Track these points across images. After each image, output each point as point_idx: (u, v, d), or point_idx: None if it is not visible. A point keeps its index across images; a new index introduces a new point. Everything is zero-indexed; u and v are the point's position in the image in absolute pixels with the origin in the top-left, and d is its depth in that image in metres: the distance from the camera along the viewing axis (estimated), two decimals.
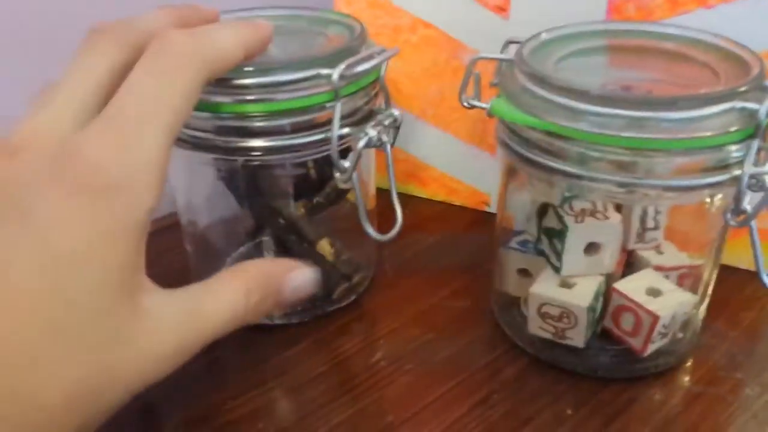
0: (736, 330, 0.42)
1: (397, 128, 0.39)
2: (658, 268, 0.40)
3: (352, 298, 0.45)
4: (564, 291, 0.38)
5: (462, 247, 0.50)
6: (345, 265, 0.44)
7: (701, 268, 0.40)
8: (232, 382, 0.39)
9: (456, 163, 0.54)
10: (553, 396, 0.38)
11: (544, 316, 0.39)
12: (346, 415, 0.37)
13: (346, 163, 0.36)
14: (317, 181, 0.43)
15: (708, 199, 0.37)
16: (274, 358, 0.41)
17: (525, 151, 0.36)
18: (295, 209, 0.43)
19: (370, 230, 0.38)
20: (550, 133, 0.34)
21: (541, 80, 0.34)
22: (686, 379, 0.39)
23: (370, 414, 0.37)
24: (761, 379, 0.39)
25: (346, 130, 0.37)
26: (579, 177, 0.34)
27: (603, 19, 0.45)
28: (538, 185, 0.40)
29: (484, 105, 0.39)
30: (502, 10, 0.47)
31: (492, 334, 0.42)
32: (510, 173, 0.41)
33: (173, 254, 0.46)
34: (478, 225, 0.52)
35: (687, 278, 0.40)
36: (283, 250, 0.44)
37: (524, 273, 0.42)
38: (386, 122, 0.39)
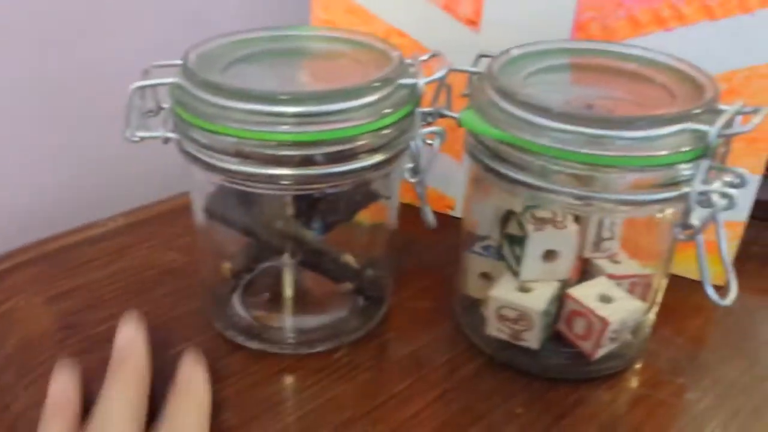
0: (682, 337, 0.45)
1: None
2: (612, 277, 0.42)
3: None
4: (521, 295, 0.40)
5: (426, 250, 0.52)
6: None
7: (652, 277, 0.42)
8: None
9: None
10: (505, 395, 0.40)
11: (501, 318, 0.41)
12: (305, 411, 0.38)
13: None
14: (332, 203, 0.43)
15: (659, 213, 0.39)
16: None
17: (490, 162, 0.38)
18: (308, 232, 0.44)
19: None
20: (514, 146, 0.36)
21: (508, 95, 0.36)
22: (632, 382, 0.41)
23: (329, 410, 0.38)
24: (702, 385, 0.41)
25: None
26: (539, 189, 0.36)
27: (568, 36, 0.47)
28: (502, 194, 0.42)
29: (454, 115, 0.41)
30: (473, 23, 0.49)
31: (452, 334, 0.44)
32: (476, 181, 0.43)
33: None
34: (443, 228, 0.53)
35: (638, 286, 0.42)
36: (312, 268, 0.45)
37: (486, 276, 0.44)
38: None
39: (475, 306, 0.45)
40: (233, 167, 0.36)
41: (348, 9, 0.52)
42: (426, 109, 0.42)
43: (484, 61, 0.42)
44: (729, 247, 0.48)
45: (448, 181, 0.55)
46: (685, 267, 0.48)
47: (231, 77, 0.38)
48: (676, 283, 0.45)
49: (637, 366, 0.42)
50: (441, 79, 0.42)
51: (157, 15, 0.58)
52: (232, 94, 0.35)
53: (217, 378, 0.40)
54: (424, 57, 0.41)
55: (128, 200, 0.56)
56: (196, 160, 0.37)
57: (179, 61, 0.38)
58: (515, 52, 0.41)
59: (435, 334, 0.44)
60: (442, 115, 0.42)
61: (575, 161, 0.35)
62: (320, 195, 0.41)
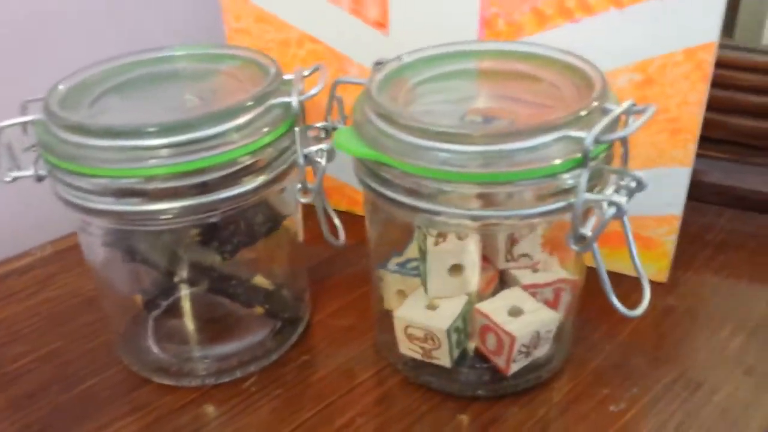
0: (613, 342, 0.43)
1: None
2: (529, 287, 0.40)
3: None
4: (427, 313, 0.39)
5: (350, 261, 0.50)
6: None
7: (574, 281, 0.40)
8: None
9: (348, 170, 0.53)
10: (413, 418, 0.38)
11: (410, 337, 0.39)
12: None
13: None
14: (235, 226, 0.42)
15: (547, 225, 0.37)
16: None
17: (377, 186, 0.36)
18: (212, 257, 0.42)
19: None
20: (396, 168, 0.34)
21: (386, 117, 0.34)
22: (553, 395, 0.39)
23: None
24: (629, 395, 0.39)
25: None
26: (432, 212, 0.34)
27: (476, 33, 0.45)
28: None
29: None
30: (381, 25, 0.47)
31: (371, 354, 0.43)
32: (369, 202, 0.41)
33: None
34: None
35: (563, 292, 0.40)
36: (221, 294, 0.43)
37: (402, 294, 0.43)
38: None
39: (390, 320, 0.43)
40: (108, 207, 0.35)
41: (260, 17, 0.51)
42: (319, 124, 0.40)
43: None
44: (666, 243, 0.46)
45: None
46: (620, 264, 0.46)
47: (99, 111, 0.37)
48: (614, 281, 0.43)
49: (560, 378, 0.40)
50: (331, 93, 0.40)
51: (56, 36, 0.56)
52: (95, 132, 0.34)
53: (121, 413, 0.39)
54: (306, 72, 0.39)
55: (59, 227, 0.55)
56: (68, 203, 0.36)
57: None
58: (406, 59, 0.39)
59: (353, 354, 0.43)
60: (335, 129, 0.41)
61: (461, 181, 0.33)
62: (218, 221, 0.40)
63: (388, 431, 0.37)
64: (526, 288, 0.40)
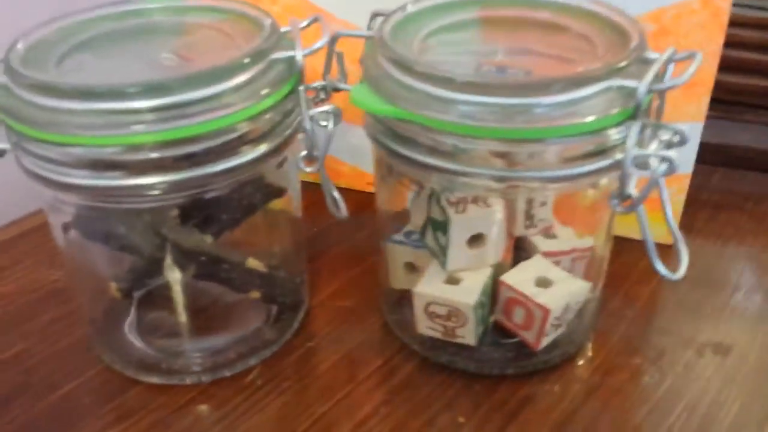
0: (634, 308, 0.41)
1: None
2: (548, 254, 0.37)
3: None
4: (450, 288, 0.35)
5: (347, 237, 0.46)
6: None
7: (594, 249, 0.38)
8: None
9: (337, 143, 0.50)
10: (445, 402, 0.35)
11: (431, 315, 0.36)
12: None
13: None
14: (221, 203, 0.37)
15: (592, 188, 0.34)
16: None
17: (393, 144, 0.32)
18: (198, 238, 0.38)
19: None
20: (417, 124, 0.31)
21: (404, 65, 0.31)
22: (583, 370, 0.37)
23: None
24: (660, 365, 0.37)
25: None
26: (452, 172, 0.31)
27: None
28: (413, 179, 0.37)
29: (348, 88, 0.35)
30: None
31: (381, 335, 0.39)
32: (383, 164, 0.37)
33: None
34: (364, 209, 0.48)
35: (580, 260, 0.38)
36: (211, 280, 0.39)
37: (411, 267, 0.39)
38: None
39: (402, 300, 0.40)
40: (85, 182, 0.30)
41: None
42: (316, 84, 0.36)
43: (380, 20, 0.36)
44: (675, 203, 0.44)
45: (364, 156, 0.49)
46: (628, 228, 0.44)
47: (68, 71, 0.32)
48: (622, 246, 0.41)
49: (587, 350, 0.38)
50: (330, 48, 0.36)
51: None
52: (68, 93, 0.29)
53: (109, 421, 0.34)
54: (303, 23, 0.35)
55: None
56: (37, 177, 0.31)
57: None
58: (411, 9, 0.36)
59: (362, 337, 0.39)
60: (336, 89, 0.37)
61: (489, 137, 0.30)
62: (206, 197, 0.35)
63: (420, 419, 0.34)
64: (546, 255, 0.37)
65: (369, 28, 0.37)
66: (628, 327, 0.39)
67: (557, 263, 0.37)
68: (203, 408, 0.35)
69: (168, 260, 0.37)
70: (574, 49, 0.33)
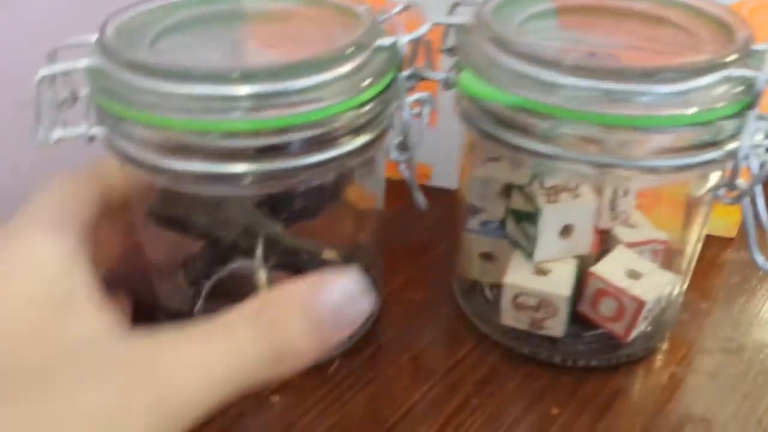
0: (710, 300, 0.41)
1: None
2: (631, 245, 0.37)
3: None
4: (541, 279, 0.35)
5: (408, 229, 0.46)
6: None
7: (679, 242, 0.37)
8: None
9: None
10: (535, 394, 0.35)
11: (519, 306, 0.36)
12: None
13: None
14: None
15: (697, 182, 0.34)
16: None
17: (489, 127, 0.32)
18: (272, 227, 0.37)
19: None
20: (521, 109, 0.30)
21: (509, 48, 0.30)
22: (670, 361, 0.37)
23: None
24: (742, 356, 0.37)
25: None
26: (550, 156, 0.30)
27: None
28: (504, 163, 0.37)
29: (438, 76, 0.35)
30: None
31: (456, 326, 0.39)
32: (473, 148, 0.37)
33: None
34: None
35: (660, 252, 0.38)
36: (288, 270, 0.37)
37: (488, 257, 0.39)
38: None
39: (475, 289, 0.40)
40: (179, 167, 0.29)
41: None
42: (405, 73, 0.35)
43: (461, 10, 0.36)
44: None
45: (422, 147, 0.49)
46: None
47: (162, 53, 0.31)
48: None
49: (670, 343, 0.38)
50: (421, 36, 0.35)
51: None
52: (167, 74, 0.28)
53: None
54: (396, 9, 0.34)
55: None
56: (130, 160, 0.30)
57: (94, 37, 0.31)
58: None
59: (438, 327, 0.39)
60: (423, 78, 0.36)
61: (595, 123, 0.29)
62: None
63: (511, 411, 0.34)
64: (629, 246, 0.37)
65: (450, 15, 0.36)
66: (707, 319, 0.39)
67: (640, 255, 0.37)
68: (287, 400, 0.35)
69: (256, 249, 0.36)
70: (673, 43, 0.33)
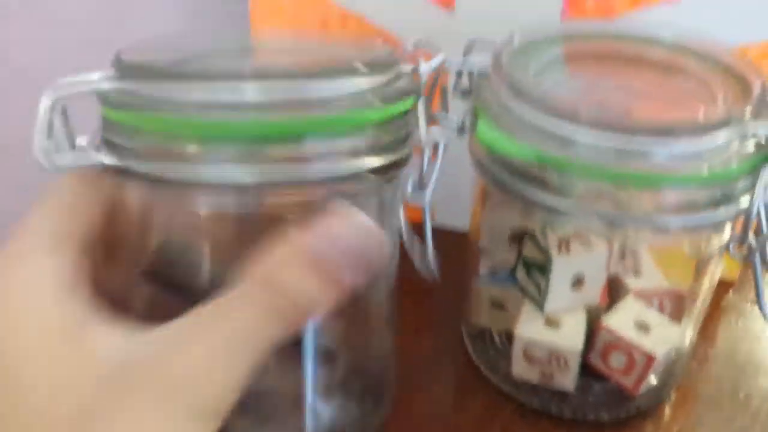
0: (715, 347, 0.40)
1: None
2: (640, 294, 0.37)
3: None
4: (552, 332, 0.35)
5: (412, 268, 0.44)
6: None
7: (690, 292, 0.37)
8: None
9: None
10: None
11: (530, 358, 0.35)
12: None
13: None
14: None
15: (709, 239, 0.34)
16: None
17: (502, 176, 0.31)
18: None
19: None
20: (533, 161, 0.30)
21: (530, 99, 0.30)
22: (678, 415, 0.36)
23: None
24: (749, 407, 0.36)
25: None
26: (561, 210, 0.30)
27: (559, 11, 0.40)
28: (516, 209, 0.36)
29: (452, 121, 0.34)
30: (446, 3, 0.42)
31: (465, 376, 0.38)
32: (485, 194, 0.36)
33: None
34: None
35: (670, 302, 0.37)
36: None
37: (498, 305, 0.38)
38: None
39: (485, 336, 0.39)
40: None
41: None
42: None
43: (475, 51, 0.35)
44: None
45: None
46: None
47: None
48: None
49: (679, 391, 0.37)
50: (435, 77, 0.34)
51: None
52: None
53: None
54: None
55: None
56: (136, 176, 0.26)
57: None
58: (518, 41, 0.34)
59: (447, 378, 0.38)
60: (435, 121, 0.35)
61: (608, 179, 0.29)
62: None
63: None
64: (639, 295, 0.37)
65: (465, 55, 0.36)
66: (713, 367, 0.39)
67: (649, 307, 0.36)
68: None
69: None
70: (686, 91, 0.33)
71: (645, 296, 0.37)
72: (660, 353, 0.34)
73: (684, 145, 0.28)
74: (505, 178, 0.31)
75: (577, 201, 0.30)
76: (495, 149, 0.31)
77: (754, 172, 0.29)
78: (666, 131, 0.28)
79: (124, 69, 0.27)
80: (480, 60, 0.34)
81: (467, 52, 0.36)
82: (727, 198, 0.29)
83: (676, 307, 0.37)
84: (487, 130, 0.31)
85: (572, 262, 0.34)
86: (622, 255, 0.37)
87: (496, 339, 0.39)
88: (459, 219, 0.45)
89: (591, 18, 0.40)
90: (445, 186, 0.45)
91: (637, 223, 0.30)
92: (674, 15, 0.39)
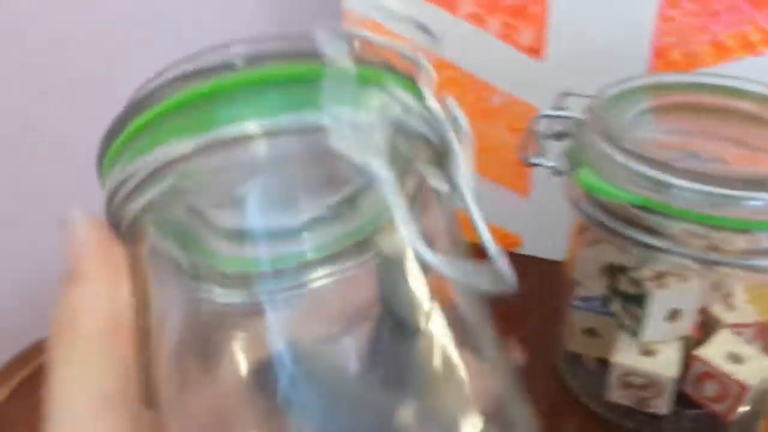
0: None
1: None
2: (735, 327, 0.38)
3: None
4: (648, 360, 0.37)
5: (497, 298, 0.47)
6: None
7: None
8: None
9: (485, 204, 0.51)
10: None
11: (626, 385, 0.37)
12: None
13: None
14: None
15: None
16: None
17: (599, 215, 0.34)
18: None
19: None
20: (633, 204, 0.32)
21: (628, 149, 0.32)
22: None
23: None
24: None
25: None
26: (657, 249, 0.33)
27: (646, 63, 0.43)
28: (609, 245, 0.38)
29: (549, 164, 0.37)
30: (534, 51, 0.45)
31: (559, 400, 0.40)
32: (582, 230, 0.39)
33: None
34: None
35: (763, 336, 0.39)
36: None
37: (591, 332, 0.40)
38: None
39: (579, 362, 0.41)
40: None
41: None
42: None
43: (570, 101, 0.38)
44: None
45: (510, 217, 0.51)
46: None
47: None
48: None
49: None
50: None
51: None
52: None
53: None
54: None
55: None
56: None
57: None
58: (610, 92, 0.37)
59: (541, 402, 0.40)
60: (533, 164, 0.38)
61: (703, 223, 0.31)
62: None
63: None
64: (732, 327, 0.39)
65: (559, 107, 0.39)
66: None
67: (742, 340, 0.38)
68: None
69: None
70: None
71: (738, 329, 0.39)
72: (753, 383, 0.36)
73: None
74: (603, 218, 0.34)
75: (674, 241, 0.32)
76: (595, 192, 0.33)
77: None
78: (758, 182, 0.31)
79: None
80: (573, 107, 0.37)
81: (561, 100, 0.39)
82: None
83: (765, 339, 0.39)
84: (588, 177, 0.33)
85: (668, 297, 0.36)
86: (716, 289, 0.39)
87: (590, 365, 0.41)
88: (548, 249, 0.48)
89: (677, 70, 0.42)
90: (537, 217, 0.48)
91: (731, 263, 0.32)
92: (759, 68, 0.41)
